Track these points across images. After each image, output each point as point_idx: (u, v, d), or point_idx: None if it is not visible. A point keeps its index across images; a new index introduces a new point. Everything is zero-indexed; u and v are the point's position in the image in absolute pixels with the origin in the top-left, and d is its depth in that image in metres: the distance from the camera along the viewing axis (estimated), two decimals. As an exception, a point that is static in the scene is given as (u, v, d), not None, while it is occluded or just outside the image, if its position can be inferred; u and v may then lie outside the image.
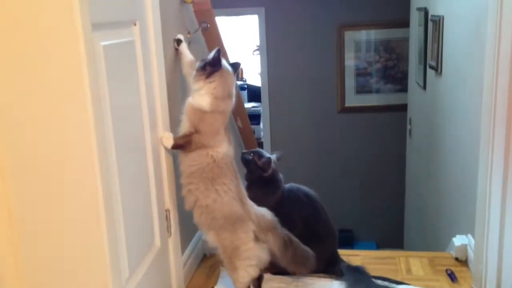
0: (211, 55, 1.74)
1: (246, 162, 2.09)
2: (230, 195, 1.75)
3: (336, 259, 2.09)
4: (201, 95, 1.73)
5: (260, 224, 1.79)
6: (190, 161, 1.75)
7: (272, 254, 1.81)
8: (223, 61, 1.77)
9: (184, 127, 1.77)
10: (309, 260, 1.82)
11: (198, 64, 1.80)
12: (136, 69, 1.61)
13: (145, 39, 1.69)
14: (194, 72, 1.77)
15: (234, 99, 1.82)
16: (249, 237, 1.77)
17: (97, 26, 1.30)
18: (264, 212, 1.82)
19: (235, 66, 1.84)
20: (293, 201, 2.06)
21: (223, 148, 1.76)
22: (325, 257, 2.02)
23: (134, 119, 1.60)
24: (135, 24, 1.62)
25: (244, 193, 1.82)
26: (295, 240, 1.81)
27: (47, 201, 1.29)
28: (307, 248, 1.82)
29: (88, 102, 1.22)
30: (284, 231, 1.80)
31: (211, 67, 1.73)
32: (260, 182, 2.06)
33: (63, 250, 1.32)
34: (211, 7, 2.24)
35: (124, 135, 1.49)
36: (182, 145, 1.76)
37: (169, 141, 1.77)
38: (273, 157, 2.14)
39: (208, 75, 1.73)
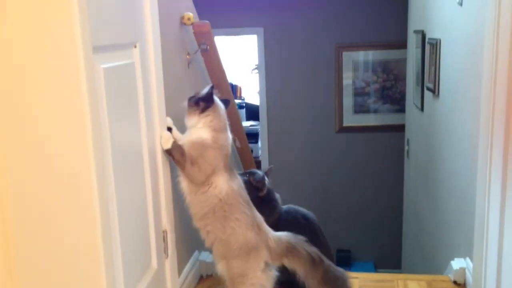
0: (205, 90, 1.77)
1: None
2: (244, 227, 1.75)
3: None
4: (200, 129, 1.74)
5: (276, 250, 1.77)
6: (199, 203, 1.76)
7: (300, 275, 1.77)
8: (215, 97, 1.80)
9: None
10: (344, 283, 1.78)
11: (188, 99, 1.81)
12: (136, 91, 1.62)
13: (145, 61, 1.70)
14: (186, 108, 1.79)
15: (228, 134, 1.82)
16: (259, 266, 1.76)
17: (98, 49, 1.31)
18: (281, 235, 1.81)
19: (226, 103, 1.87)
20: (291, 223, 2.05)
21: (223, 186, 1.75)
22: None
23: (132, 142, 1.61)
24: (135, 46, 1.63)
25: (260, 219, 1.81)
26: (326, 260, 1.78)
27: (44, 224, 1.28)
28: (341, 269, 1.79)
29: (88, 125, 1.23)
30: (313, 249, 1.77)
31: (205, 102, 1.76)
32: (256, 203, 2.06)
33: (59, 271, 1.31)
34: (210, 29, 2.27)
35: (122, 158, 1.49)
36: (176, 159, 1.75)
37: (168, 142, 1.75)
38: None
39: (202, 110, 1.75)
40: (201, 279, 2.29)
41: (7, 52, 1.20)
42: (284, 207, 2.11)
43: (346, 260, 5.06)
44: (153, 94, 1.76)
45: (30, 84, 1.21)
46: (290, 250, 1.77)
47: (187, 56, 2.20)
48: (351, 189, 5.11)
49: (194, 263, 2.24)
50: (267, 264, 1.77)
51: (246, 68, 7.17)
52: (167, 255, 1.87)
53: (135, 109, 1.62)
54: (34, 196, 1.27)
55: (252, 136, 5.84)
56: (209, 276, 2.26)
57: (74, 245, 1.29)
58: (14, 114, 1.23)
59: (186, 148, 1.74)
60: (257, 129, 5.93)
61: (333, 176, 5.13)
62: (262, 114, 5.27)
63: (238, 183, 1.80)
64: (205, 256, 2.28)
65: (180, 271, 2.02)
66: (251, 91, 7.02)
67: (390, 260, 4.84)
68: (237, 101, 6.98)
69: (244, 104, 6.91)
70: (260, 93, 5.29)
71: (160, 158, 1.81)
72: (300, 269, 1.76)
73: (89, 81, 1.23)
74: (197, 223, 1.79)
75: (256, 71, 5.60)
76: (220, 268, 1.81)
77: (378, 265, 5.03)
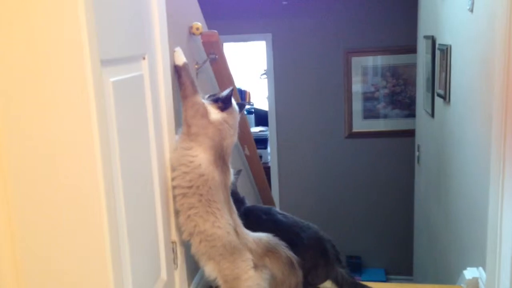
0: (225, 93, 1.81)
1: None
2: (224, 222, 1.71)
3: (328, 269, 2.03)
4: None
5: (257, 251, 1.77)
6: (179, 157, 1.72)
7: (276, 279, 1.77)
8: (233, 100, 1.84)
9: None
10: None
11: (207, 96, 1.83)
12: (144, 103, 1.62)
13: (154, 72, 1.70)
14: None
15: (236, 137, 1.85)
16: (249, 265, 1.74)
17: (106, 62, 1.31)
18: (261, 236, 1.80)
19: (241, 106, 1.90)
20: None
21: (204, 163, 1.70)
22: (308, 267, 1.95)
23: (141, 153, 1.60)
24: (144, 58, 1.63)
25: (239, 221, 1.79)
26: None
27: (52, 236, 1.27)
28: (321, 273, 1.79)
29: (96, 138, 1.22)
30: (292, 253, 1.77)
31: (223, 103, 1.79)
32: None
33: (67, 284, 1.30)
34: (219, 39, 2.26)
35: (131, 168, 1.49)
36: (182, 81, 1.77)
37: (181, 58, 1.80)
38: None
39: (221, 110, 1.78)
40: (211, 289, 2.27)
41: (13, 70, 1.20)
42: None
43: (357, 267, 5.03)
44: (162, 106, 1.76)
45: (36, 101, 1.21)
46: (270, 250, 1.77)
47: (195, 66, 2.20)
48: (361, 195, 5.08)
49: (203, 274, 2.23)
50: (256, 265, 1.75)
51: (254, 73, 7.17)
52: (177, 266, 1.86)
53: (144, 121, 1.62)
54: (42, 212, 1.27)
55: (261, 142, 5.84)
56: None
57: (82, 257, 1.28)
58: (20, 132, 1.23)
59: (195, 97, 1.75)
60: (266, 134, 5.93)
61: (342, 182, 5.11)
62: (271, 119, 5.26)
63: (224, 178, 1.76)
64: (215, 265, 2.27)
65: (189, 282, 2.01)
66: (260, 97, 7.02)
67: (401, 266, 4.80)
68: (246, 106, 7.00)
69: (253, 110, 6.92)
70: (269, 98, 5.29)
71: (169, 170, 1.80)
72: (278, 271, 1.75)
73: (97, 95, 1.22)
74: (180, 202, 1.72)
75: (265, 76, 5.59)
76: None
77: (389, 272, 4.99)
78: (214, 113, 1.76)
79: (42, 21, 1.18)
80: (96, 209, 1.25)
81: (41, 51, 1.19)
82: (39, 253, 1.29)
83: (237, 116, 1.85)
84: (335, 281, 2.01)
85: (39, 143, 1.24)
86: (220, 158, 1.76)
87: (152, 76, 1.68)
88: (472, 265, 2.24)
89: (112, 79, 1.36)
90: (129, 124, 1.49)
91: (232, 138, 1.81)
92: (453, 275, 2.54)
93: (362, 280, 4.90)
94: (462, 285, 2.20)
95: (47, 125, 1.22)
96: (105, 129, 1.27)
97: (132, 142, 1.51)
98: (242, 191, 3.31)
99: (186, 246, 1.94)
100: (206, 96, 1.84)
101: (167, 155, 1.79)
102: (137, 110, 1.58)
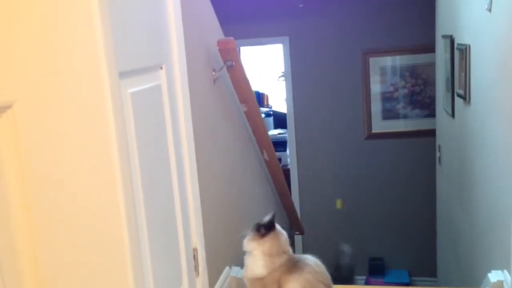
0: (267, 218, 1.83)
1: None
2: None
3: None
4: (254, 257, 1.79)
5: None
6: None
7: None
8: (277, 224, 1.85)
9: None
10: None
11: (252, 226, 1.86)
12: (163, 113, 1.64)
13: (172, 81, 1.71)
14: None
15: (290, 252, 1.84)
16: None
17: (124, 74, 1.32)
18: None
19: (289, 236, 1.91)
20: None
21: (293, 285, 1.72)
22: None
23: (161, 162, 1.62)
24: (161, 68, 1.65)
25: None
26: None
27: (71, 247, 1.28)
28: None
29: (115, 150, 1.23)
30: None
31: (266, 229, 1.80)
32: None
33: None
34: (235, 45, 2.28)
35: (151, 177, 1.50)
36: None
37: None
38: None
39: (262, 236, 1.79)
40: (232, 295, 2.28)
41: (28, 90, 1.19)
42: None
43: (380, 269, 4.99)
44: (180, 115, 1.77)
45: (53, 117, 1.21)
46: None
47: (213, 73, 2.21)
48: (383, 196, 5.04)
49: (224, 280, 2.24)
50: None
51: (272, 75, 7.18)
52: (198, 274, 1.87)
53: (163, 130, 1.64)
54: (62, 223, 1.28)
55: (280, 145, 5.84)
56: (241, 292, 2.25)
57: (103, 267, 1.28)
58: (38, 147, 1.24)
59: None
60: (285, 137, 5.93)
61: (363, 183, 5.07)
62: (290, 122, 5.26)
63: (312, 269, 1.74)
64: (236, 271, 2.28)
65: (211, 289, 2.02)
66: (279, 99, 7.02)
67: (424, 268, 4.75)
68: (264, 109, 7.00)
69: (271, 112, 6.92)
70: (287, 100, 5.29)
71: (188, 177, 1.82)
72: None
73: (116, 108, 1.24)
74: None
75: (283, 78, 5.59)
76: None
77: (413, 273, 4.94)
78: (260, 265, 1.78)
79: (57, 35, 1.18)
80: (116, 220, 1.25)
81: (57, 63, 1.19)
82: (58, 263, 1.30)
83: (284, 237, 1.84)
84: None
85: (59, 157, 1.24)
86: (290, 266, 1.77)
87: (170, 85, 1.69)
88: (497, 267, 2.21)
89: (130, 91, 1.37)
90: (148, 134, 1.51)
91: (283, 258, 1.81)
92: (478, 278, 2.50)
93: (385, 282, 4.87)
94: (486, 288, 2.17)
95: (67, 140, 1.23)
96: (125, 140, 1.29)
97: (151, 152, 1.52)
98: (263, 198, 3.33)
99: (207, 253, 1.95)
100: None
101: (186, 163, 1.81)
102: (156, 119, 1.60)
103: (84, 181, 1.25)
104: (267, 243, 1.79)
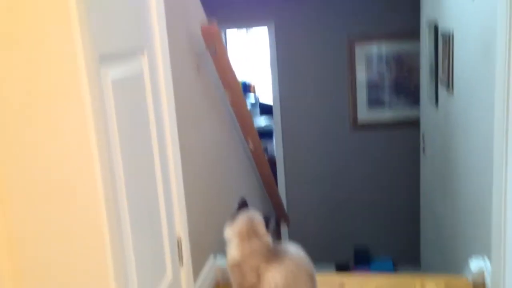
0: (238, 203, 1.87)
1: None
2: None
3: None
4: (231, 242, 1.80)
5: None
6: None
7: None
8: (251, 209, 1.87)
9: None
10: None
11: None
12: (145, 100, 1.61)
13: (154, 67, 1.68)
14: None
15: (267, 238, 1.82)
16: None
17: (104, 58, 1.29)
18: None
19: (266, 219, 1.88)
20: None
21: (277, 278, 1.69)
22: None
23: (143, 150, 1.60)
24: (143, 54, 1.62)
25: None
26: None
27: (50, 234, 1.26)
28: None
29: (92, 137, 1.21)
30: None
31: (237, 213, 1.84)
32: None
33: (67, 283, 1.29)
34: (218, 30, 2.25)
35: (133, 166, 1.48)
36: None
37: None
38: None
39: (233, 219, 1.83)
40: (217, 285, 2.28)
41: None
42: None
43: (365, 258, 5.02)
44: (163, 101, 1.75)
45: (29, 101, 1.18)
46: None
47: (196, 59, 2.19)
48: (367, 185, 5.06)
49: (209, 268, 2.23)
50: None
51: (259, 65, 7.14)
52: (182, 263, 1.86)
53: (145, 118, 1.61)
54: (40, 212, 1.26)
55: (267, 135, 5.83)
56: (226, 283, 2.25)
57: (82, 257, 1.26)
58: (13, 135, 1.21)
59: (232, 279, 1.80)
60: (271, 127, 5.92)
61: (349, 172, 5.09)
62: (276, 111, 5.24)
63: (294, 259, 1.73)
64: (221, 259, 2.27)
65: (195, 278, 2.02)
66: (265, 89, 6.99)
67: (408, 256, 4.79)
68: (250, 99, 6.97)
69: (258, 103, 6.90)
70: (272, 89, 5.27)
71: (172, 166, 1.80)
72: None
73: (95, 95, 1.21)
74: None
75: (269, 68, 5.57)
76: None
77: (397, 262, 4.99)
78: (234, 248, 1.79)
79: (24, 11, 1.13)
80: (95, 208, 1.22)
81: (28, 43, 1.15)
82: (36, 250, 1.28)
83: (257, 217, 1.85)
84: None
85: (34, 145, 1.21)
86: (272, 255, 1.76)
87: (152, 71, 1.66)
88: (478, 253, 2.23)
89: (111, 76, 1.35)
90: (130, 121, 1.48)
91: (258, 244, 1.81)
92: (460, 264, 2.53)
93: (371, 270, 4.91)
94: (468, 275, 2.19)
95: (44, 125, 1.21)
96: (103, 126, 1.26)
97: (133, 140, 1.50)
98: (248, 188, 3.32)
99: (192, 242, 1.95)
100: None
101: (170, 152, 1.79)
102: (138, 106, 1.57)
103: (62, 169, 1.22)
104: (238, 224, 1.80)
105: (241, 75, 6.82)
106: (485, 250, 2.15)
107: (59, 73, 1.16)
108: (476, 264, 2.15)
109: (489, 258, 2.03)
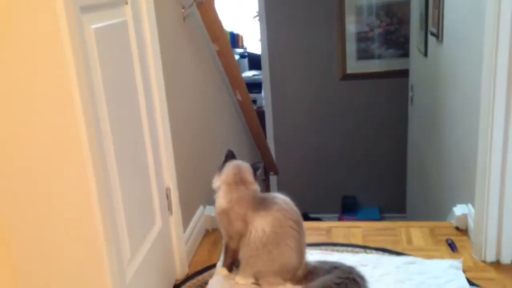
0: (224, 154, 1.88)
1: None
2: (291, 251, 1.73)
3: None
4: (218, 190, 1.82)
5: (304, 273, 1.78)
6: (247, 250, 1.75)
7: None
8: (237, 159, 1.89)
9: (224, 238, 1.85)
10: None
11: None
12: (130, 51, 1.59)
13: (138, 17, 1.66)
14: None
15: (254, 186, 1.82)
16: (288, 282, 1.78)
17: (86, 8, 1.27)
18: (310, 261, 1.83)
19: (255, 167, 1.88)
20: None
21: (264, 224, 1.71)
22: None
23: (129, 101, 1.59)
24: (126, 3, 1.59)
25: (304, 241, 1.79)
26: None
27: (37, 183, 1.27)
28: None
29: (76, 88, 1.19)
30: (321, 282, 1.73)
31: (222, 165, 1.85)
32: None
33: (56, 233, 1.30)
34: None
35: (119, 117, 1.48)
36: (233, 261, 1.84)
37: (224, 272, 1.86)
38: None
39: (220, 170, 1.84)
40: (206, 233, 2.33)
41: None
42: None
43: (352, 207, 5.13)
44: (149, 52, 1.72)
45: (10, 60, 1.17)
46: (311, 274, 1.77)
47: (183, 10, 2.14)
48: (356, 136, 5.10)
49: (199, 217, 2.27)
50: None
51: (247, 16, 7.00)
52: (171, 212, 1.90)
53: (131, 69, 1.60)
54: (25, 164, 1.26)
55: (256, 86, 5.79)
56: (215, 230, 2.30)
57: (71, 207, 1.28)
58: None
59: (220, 225, 1.83)
60: (260, 78, 5.87)
61: (337, 124, 5.11)
62: (264, 63, 5.20)
63: (281, 207, 1.74)
64: (210, 210, 2.31)
65: (185, 227, 2.06)
66: (253, 40, 6.89)
67: (394, 205, 4.89)
68: (239, 50, 6.88)
69: (246, 54, 6.81)
70: (261, 41, 5.20)
71: (159, 116, 1.80)
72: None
73: (77, 45, 1.19)
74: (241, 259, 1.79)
75: (257, 18, 5.47)
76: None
77: (384, 210, 5.10)
78: (221, 196, 1.82)
79: None
80: (80, 159, 1.23)
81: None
82: (23, 209, 1.30)
83: (245, 167, 1.86)
84: None
85: (15, 94, 1.20)
86: (258, 203, 1.78)
87: (137, 22, 1.64)
88: (462, 201, 2.29)
89: (93, 26, 1.32)
90: (115, 72, 1.47)
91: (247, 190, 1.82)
92: (444, 212, 2.60)
93: (358, 219, 5.01)
94: (451, 221, 2.25)
95: (26, 77, 1.19)
96: (86, 77, 1.25)
97: (118, 91, 1.49)
98: (236, 139, 3.33)
99: (181, 193, 1.97)
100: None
101: (157, 102, 1.78)
102: (123, 57, 1.55)
103: (44, 117, 1.21)
104: (225, 172, 1.82)
105: (229, 26, 6.70)
106: (468, 199, 2.20)
107: (40, 23, 1.14)
108: (460, 210, 2.21)
109: (473, 205, 2.08)
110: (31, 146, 1.24)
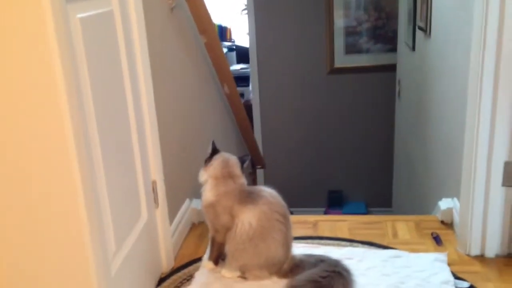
0: (209, 148, 1.86)
1: None
2: (277, 244, 1.73)
3: None
4: (205, 184, 1.81)
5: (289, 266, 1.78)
6: (233, 244, 1.74)
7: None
8: (223, 152, 1.88)
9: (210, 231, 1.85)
10: None
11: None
12: (116, 42, 1.56)
13: (125, 7, 1.63)
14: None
15: (241, 180, 1.81)
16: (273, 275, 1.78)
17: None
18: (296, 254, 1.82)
19: (242, 160, 1.88)
20: None
21: (250, 218, 1.71)
22: None
23: (115, 92, 1.57)
24: (113, -8, 1.56)
25: (291, 234, 1.78)
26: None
27: (20, 175, 1.25)
28: None
29: (60, 77, 1.18)
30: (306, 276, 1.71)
31: (210, 157, 1.83)
32: None
33: (41, 226, 1.29)
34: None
35: (106, 110, 1.46)
36: (219, 255, 1.83)
37: (210, 265, 1.86)
38: None
39: (208, 162, 1.83)
40: (193, 226, 2.32)
41: None
42: None
43: (338, 201, 5.15)
44: (135, 44, 1.70)
45: None
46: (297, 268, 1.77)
47: (170, 1, 2.12)
48: (343, 130, 5.11)
49: (185, 210, 2.26)
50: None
51: (235, 9, 6.97)
52: (157, 205, 1.88)
53: (117, 61, 1.57)
54: (8, 153, 1.24)
55: (244, 80, 5.78)
56: (201, 223, 2.29)
57: (56, 198, 1.26)
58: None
59: (206, 218, 1.82)
60: (248, 72, 5.85)
61: (324, 118, 5.12)
62: (252, 56, 5.18)
63: (267, 200, 1.73)
64: (196, 203, 2.30)
65: (171, 220, 2.04)
66: (242, 33, 6.86)
67: (381, 199, 4.93)
68: (227, 43, 6.85)
69: (234, 47, 6.78)
70: (249, 34, 5.18)
71: (145, 109, 1.78)
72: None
73: (62, 33, 1.17)
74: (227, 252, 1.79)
75: (246, 12, 5.45)
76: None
77: (370, 205, 5.13)
78: (208, 190, 1.81)
79: None
80: (64, 150, 1.21)
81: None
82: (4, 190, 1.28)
83: (232, 160, 1.85)
84: None
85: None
86: (245, 197, 1.78)
87: (123, 12, 1.61)
88: (448, 195, 2.30)
89: (79, 16, 1.30)
90: (101, 64, 1.44)
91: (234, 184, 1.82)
92: (430, 206, 2.62)
93: (343, 213, 5.03)
94: (437, 215, 2.27)
95: (11, 65, 1.17)
96: (74, 68, 1.23)
97: (105, 81, 1.47)
98: (223, 133, 3.32)
99: (168, 186, 1.96)
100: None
101: (143, 95, 1.76)
102: (109, 48, 1.53)
103: (28, 111, 1.19)
104: (212, 166, 1.81)
105: (217, 19, 6.66)
106: (454, 193, 2.21)
107: (24, 12, 1.12)
108: (445, 204, 2.22)
109: (458, 199, 2.09)
110: (13, 137, 1.22)
